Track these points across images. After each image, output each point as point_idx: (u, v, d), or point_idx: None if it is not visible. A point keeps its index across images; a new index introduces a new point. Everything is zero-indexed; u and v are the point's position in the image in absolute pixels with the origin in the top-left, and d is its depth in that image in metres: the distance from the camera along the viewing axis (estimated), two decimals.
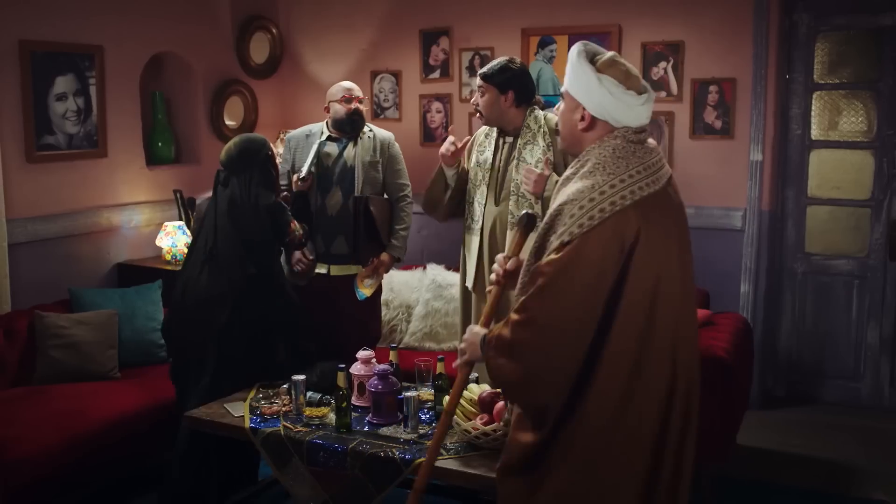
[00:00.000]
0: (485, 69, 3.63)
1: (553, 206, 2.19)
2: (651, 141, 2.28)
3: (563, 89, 2.33)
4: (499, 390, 3.10)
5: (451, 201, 3.80)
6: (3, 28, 4.27)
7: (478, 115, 3.68)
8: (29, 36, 4.40)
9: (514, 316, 2.17)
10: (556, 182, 3.44)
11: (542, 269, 2.13)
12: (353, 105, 4.19)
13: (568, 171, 2.28)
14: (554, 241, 2.13)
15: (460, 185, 3.76)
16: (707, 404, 3.76)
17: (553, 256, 2.11)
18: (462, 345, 2.44)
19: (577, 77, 2.24)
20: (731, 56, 4.81)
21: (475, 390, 3.12)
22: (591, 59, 2.26)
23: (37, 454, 3.46)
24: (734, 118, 4.85)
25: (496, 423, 2.92)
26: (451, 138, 3.70)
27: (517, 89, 3.61)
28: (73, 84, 4.63)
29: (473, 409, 3.02)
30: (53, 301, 4.39)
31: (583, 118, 2.25)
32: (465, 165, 3.77)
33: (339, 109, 4.20)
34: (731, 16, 4.79)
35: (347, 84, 4.29)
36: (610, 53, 2.28)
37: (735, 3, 4.77)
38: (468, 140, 3.81)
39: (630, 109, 2.22)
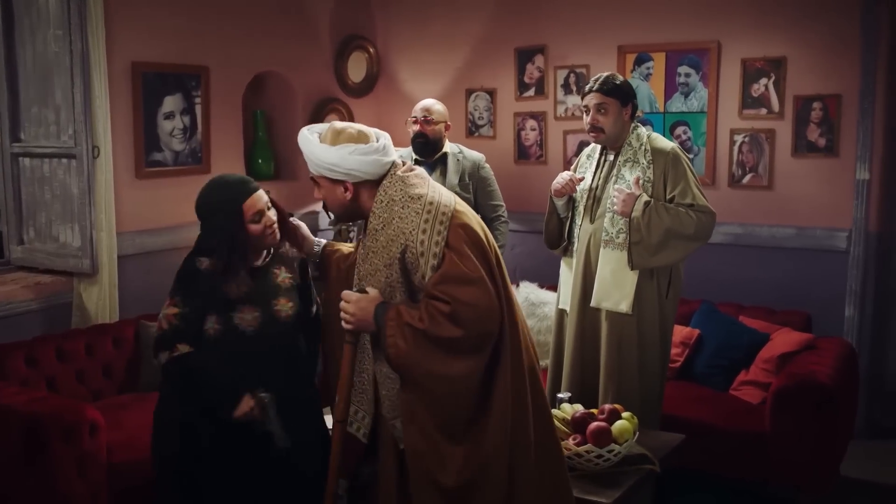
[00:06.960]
0: (604, 84, 3.53)
1: None
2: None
3: None
4: (593, 410, 3.07)
5: (568, 233, 3.78)
6: (118, 51, 4.47)
7: (592, 134, 3.59)
8: (141, 58, 4.60)
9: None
10: (646, 202, 3.41)
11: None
12: (417, 128, 4.13)
13: None
14: None
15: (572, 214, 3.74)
16: (809, 431, 3.66)
17: None
18: (351, 309, 2.36)
19: None
20: (837, 71, 4.66)
21: (567, 410, 3.09)
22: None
23: (142, 458, 3.57)
24: (839, 136, 4.69)
25: (589, 444, 2.89)
26: (570, 173, 3.67)
27: (634, 102, 3.59)
28: (180, 103, 4.81)
29: (566, 430, 3.00)
30: (158, 311, 4.53)
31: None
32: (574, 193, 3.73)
33: (409, 133, 4.18)
34: (836, 30, 4.63)
35: (422, 103, 4.19)
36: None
37: (841, 16, 4.61)
38: (575, 165, 3.84)
39: None
